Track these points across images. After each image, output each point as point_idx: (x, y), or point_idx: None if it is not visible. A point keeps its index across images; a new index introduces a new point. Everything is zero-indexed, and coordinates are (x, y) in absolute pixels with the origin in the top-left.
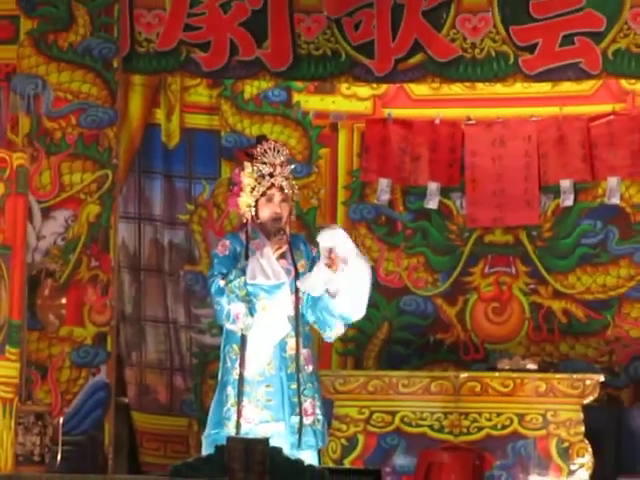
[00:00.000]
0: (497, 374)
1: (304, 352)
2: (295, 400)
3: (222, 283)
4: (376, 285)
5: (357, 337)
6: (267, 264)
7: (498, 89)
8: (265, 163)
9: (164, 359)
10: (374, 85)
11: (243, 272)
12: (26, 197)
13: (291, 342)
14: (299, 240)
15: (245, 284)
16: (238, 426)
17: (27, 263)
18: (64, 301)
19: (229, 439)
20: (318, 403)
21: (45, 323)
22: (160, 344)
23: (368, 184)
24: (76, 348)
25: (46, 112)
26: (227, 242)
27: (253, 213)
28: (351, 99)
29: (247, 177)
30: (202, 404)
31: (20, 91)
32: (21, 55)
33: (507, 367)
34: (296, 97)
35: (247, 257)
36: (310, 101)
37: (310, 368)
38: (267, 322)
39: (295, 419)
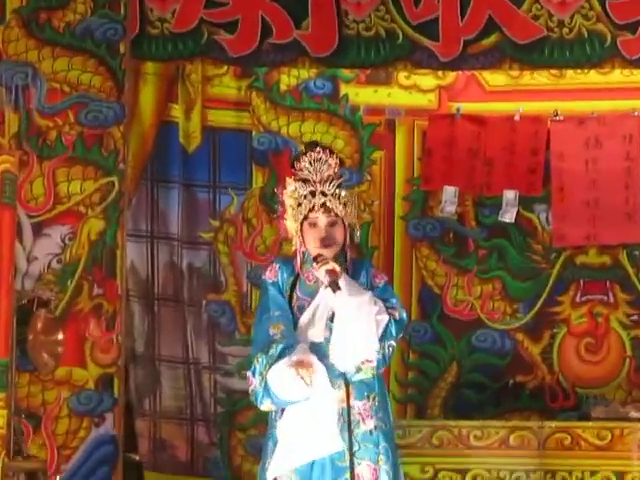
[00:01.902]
0: (591, 424)
1: (358, 405)
2: (341, 464)
3: (272, 331)
4: (442, 317)
5: (419, 380)
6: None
7: (592, 77)
8: (304, 180)
9: (183, 407)
10: (439, 73)
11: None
12: (14, 210)
13: (339, 394)
14: (362, 267)
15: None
16: None
17: (16, 290)
18: (61, 337)
19: None
20: (385, 467)
21: (38, 363)
22: (179, 389)
23: (432, 194)
24: (76, 393)
25: (38, 107)
26: (276, 266)
27: (301, 239)
28: (411, 91)
29: (288, 197)
30: (230, 462)
31: (6, 82)
32: (7, 38)
33: (603, 415)
34: (344, 89)
35: (294, 286)
36: (360, 94)
37: (370, 424)
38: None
39: None
